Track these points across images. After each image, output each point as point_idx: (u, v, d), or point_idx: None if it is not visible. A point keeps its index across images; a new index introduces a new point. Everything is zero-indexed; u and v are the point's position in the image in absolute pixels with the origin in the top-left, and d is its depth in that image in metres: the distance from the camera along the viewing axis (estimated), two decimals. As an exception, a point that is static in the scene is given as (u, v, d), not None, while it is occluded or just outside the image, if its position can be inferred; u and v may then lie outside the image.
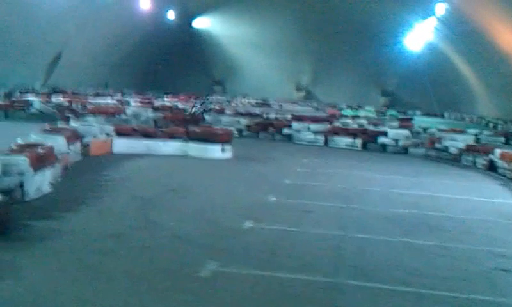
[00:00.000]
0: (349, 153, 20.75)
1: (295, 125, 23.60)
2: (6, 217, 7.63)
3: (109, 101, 30.89)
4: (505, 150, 17.62)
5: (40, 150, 10.41)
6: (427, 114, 46.39)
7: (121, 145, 16.30)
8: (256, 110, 30.67)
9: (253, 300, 6.15)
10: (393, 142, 21.73)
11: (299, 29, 55.36)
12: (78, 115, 21.44)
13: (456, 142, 20.29)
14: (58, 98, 28.56)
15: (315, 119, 25.34)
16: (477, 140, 22.52)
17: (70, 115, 21.14)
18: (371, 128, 23.61)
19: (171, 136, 17.01)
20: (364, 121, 27.30)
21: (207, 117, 24.10)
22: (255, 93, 54.38)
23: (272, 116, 27.73)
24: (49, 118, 19.81)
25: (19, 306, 5.63)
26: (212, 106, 30.38)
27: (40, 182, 10.02)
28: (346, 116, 32.14)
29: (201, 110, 25.03)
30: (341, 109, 43.16)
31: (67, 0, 33.03)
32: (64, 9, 33.01)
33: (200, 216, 9.52)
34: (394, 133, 22.34)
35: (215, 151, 16.55)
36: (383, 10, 49.67)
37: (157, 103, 31.75)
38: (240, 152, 17.21)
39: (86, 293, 5.93)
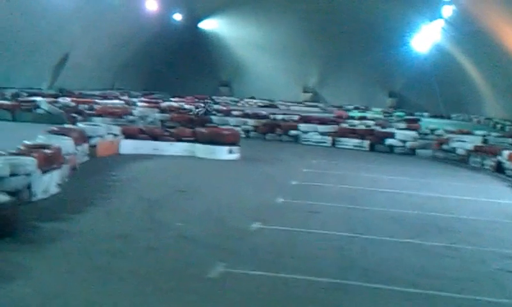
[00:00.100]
0: (357, 154, 20.70)
1: (302, 126, 23.57)
2: (13, 218, 7.63)
3: (115, 102, 30.91)
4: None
5: (47, 151, 10.42)
6: (434, 116, 46.20)
7: (128, 146, 16.35)
8: (263, 112, 30.60)
9: (262, 302, 6.13)
10: (400, 144, 21.68)
11: (305, 31, 55.30)
12: (85, 116, 21.51)
13: (464, 144, 20.23)
14: (65, 99, 28.60)
15: (322, 121, 25.29)
16: (485, 141, 22.40)
17: (77, 116, 21.22)
18: (378, 129, 23.55)
19: (179, 139, 17.02)
20: (371, 122, 27.25)
21: (213, 118, 24.08)
22: (262, 94, 54.35)
23: (279, 117, 27.70)
24: (56, 119, 19.86)
25: (28, 307, 5.62)
26: (214, 106, 30.43)
27: (48, 183, 10.03)
28: (353, 117, 32.04)
29: (204, 111, 25.04)
30: (348, 110, 43.07)
31: (73, 1, 33.04)
32: (70, 10, 33.03)
33: (207, 217, 9.52)
34: (401, 134, 22.29)
35: (222, 152, 16.57)
36: (390, 12, 49.56)
37: (164, 104, 31.74)
38: (247, 153, 17.21)
39: (94, 295, 5.93)
